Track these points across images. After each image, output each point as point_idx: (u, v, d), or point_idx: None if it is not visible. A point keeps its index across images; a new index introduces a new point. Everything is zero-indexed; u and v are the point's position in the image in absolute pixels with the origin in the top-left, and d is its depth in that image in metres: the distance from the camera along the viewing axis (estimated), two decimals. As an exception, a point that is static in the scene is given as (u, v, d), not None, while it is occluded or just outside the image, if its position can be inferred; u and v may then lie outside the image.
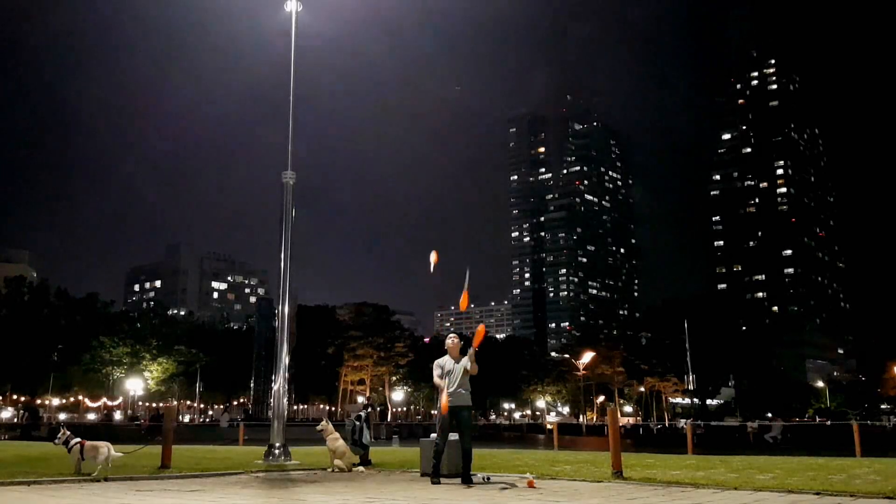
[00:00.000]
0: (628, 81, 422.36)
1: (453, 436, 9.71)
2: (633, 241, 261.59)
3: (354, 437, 12.75)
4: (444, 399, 9.26)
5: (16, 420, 68.48)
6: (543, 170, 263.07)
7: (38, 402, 73.19)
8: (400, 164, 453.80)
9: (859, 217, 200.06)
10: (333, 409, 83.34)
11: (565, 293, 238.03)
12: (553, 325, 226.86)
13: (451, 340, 9.77)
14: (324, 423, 11.99)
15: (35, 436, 41.82)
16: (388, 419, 72.59)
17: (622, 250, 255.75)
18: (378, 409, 71.49)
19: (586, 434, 58.25)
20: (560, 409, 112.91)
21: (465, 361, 9.43)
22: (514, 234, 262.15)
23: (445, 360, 9.53)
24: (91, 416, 76.84)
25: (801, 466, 11.26)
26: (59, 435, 10.12)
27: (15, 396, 71.82)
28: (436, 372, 9.48)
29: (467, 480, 9.05)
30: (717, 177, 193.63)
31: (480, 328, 9.83)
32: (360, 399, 74.04)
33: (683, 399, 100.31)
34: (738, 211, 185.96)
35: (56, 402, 77.23)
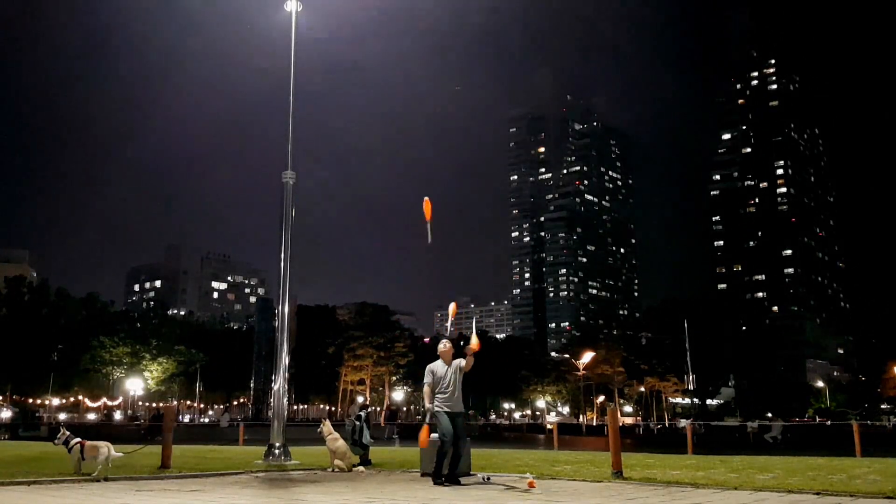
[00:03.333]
0: (629, 81, 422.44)
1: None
2: (633, 241, 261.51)
3: (354, 437, 12.74)
4: (428, 419, 9.17)
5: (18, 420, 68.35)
6: (543, 170, 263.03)
7: (38, 402, 73.19)
8: (400, 164, 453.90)
9: (859, 217, 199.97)
10: (333, 409, 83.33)
11: (565, 293, 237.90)
12: (553, 325, 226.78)
13: (444, 345, 9.48)
14: (326, 425, 11.95)
15: (23, 436, 41.68)
16: (389, 418, 72.45)
17: (622, 250, 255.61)
18: (387, 410, 71.25)
19: (586, 434, 58.21)
20: (560, 409, 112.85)
21: (461, 362, 9.34)
22: (514, 234, 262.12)
23: (437, 366, 9.33)
24: (91, 416, 76.85)
25: (801, 466, 11.26)
26: (58, 435, 10.12)
27: (15, 397, 71.84)
28: (427, 379, 9.28)
29: (452, 479, 8.95)
30: (717, 177, 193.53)
31: (453, 307, 10.44)
32: (360, 399, 74.02)
33: (683, 399, 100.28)
34: (738, 211, 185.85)
35: (56, 402, 77.23)
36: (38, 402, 73.65)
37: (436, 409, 9.17)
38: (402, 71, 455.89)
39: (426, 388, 9.23)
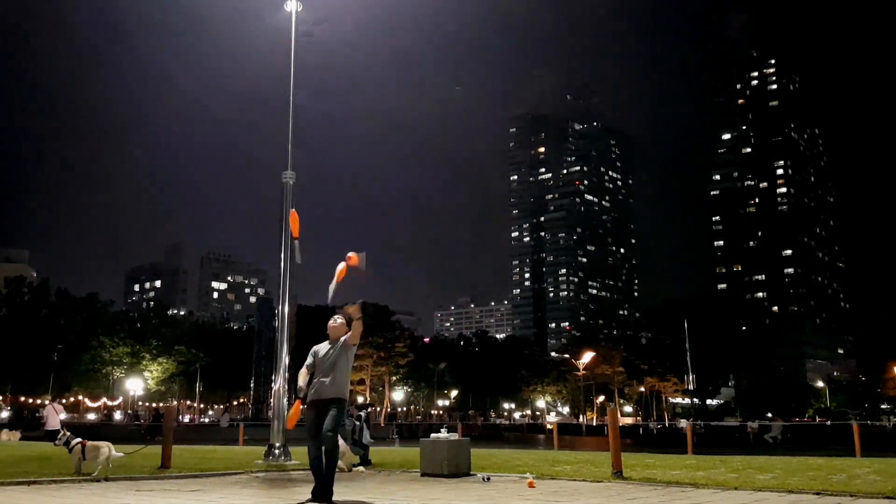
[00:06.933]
0: (628, 81, 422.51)
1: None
2: (633, 241, 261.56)
3: (354, 437, 12.75)
4: (299, 397, 7.30)
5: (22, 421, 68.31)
6: (543, 170, 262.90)
7: (39, 402, 73.12)
8: (399, 164, 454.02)
9: (859, 217, 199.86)
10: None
11: (565, 293, 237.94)
12: (553, 325, 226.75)
13: (335, 320, 7.54)
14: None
15: (22, 436, 41.53)
16: (390, 419, 72.52)
17: (622, 250, 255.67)
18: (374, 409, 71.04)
19: (586, 434, 58.18)
20: (560, 409, 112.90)
21: (346, 338, 7.37)
22: (514, 234, 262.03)
23: (321, 346, 7.48)
24: (91, 416, 76.85)
25: (801, 466, 11.25)
26: (59, 435, 10.13)
27: (14, 397, 71.84)
28: (307, 360, 7.44)
29: (318, 495, 7.15)
30: (717, 177, 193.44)
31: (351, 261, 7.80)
32: (360, 399, 74.06)
33: (683, 399, 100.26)
34: (738, 211, 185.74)
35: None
36: (39, 402, 73.63)
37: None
38: (401, 72, 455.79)
39: (303, 370, 7.40)
